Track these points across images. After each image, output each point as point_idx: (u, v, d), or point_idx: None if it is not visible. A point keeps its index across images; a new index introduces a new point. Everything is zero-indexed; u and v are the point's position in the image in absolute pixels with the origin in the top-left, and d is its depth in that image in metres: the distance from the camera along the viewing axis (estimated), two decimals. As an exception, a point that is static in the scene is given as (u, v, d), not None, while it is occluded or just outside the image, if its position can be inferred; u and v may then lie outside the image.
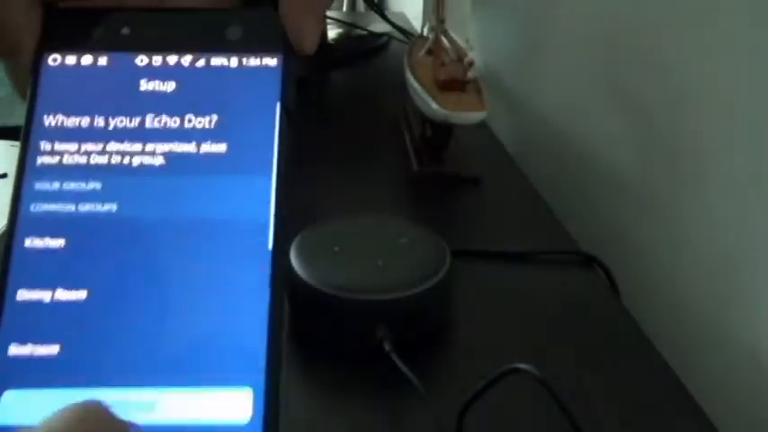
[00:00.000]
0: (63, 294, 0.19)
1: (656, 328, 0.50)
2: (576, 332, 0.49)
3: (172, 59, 0.21)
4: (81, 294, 0.19)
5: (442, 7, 0.73)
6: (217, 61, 0.21)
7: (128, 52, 0.21)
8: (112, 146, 0.20)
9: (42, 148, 0.20)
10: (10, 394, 0.18)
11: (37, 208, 0.20)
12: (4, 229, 0.20)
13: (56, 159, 0.20)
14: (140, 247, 0.19)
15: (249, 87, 0.21)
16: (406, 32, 1.13)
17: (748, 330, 0.50)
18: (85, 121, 0.21)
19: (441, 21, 0.73)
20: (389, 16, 1.19)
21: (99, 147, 0.20)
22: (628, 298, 0.55)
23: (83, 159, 0.20)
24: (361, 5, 1.65)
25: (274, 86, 0.21)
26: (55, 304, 0.19)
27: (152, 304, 0.19)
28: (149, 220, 0.20)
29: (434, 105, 0.64)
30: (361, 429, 0.40)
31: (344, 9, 1.68)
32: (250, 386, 0.18)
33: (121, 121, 0.21)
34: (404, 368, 0.41)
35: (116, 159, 0.20)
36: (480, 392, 0.37)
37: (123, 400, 0.18)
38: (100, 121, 0.21)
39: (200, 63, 0.21)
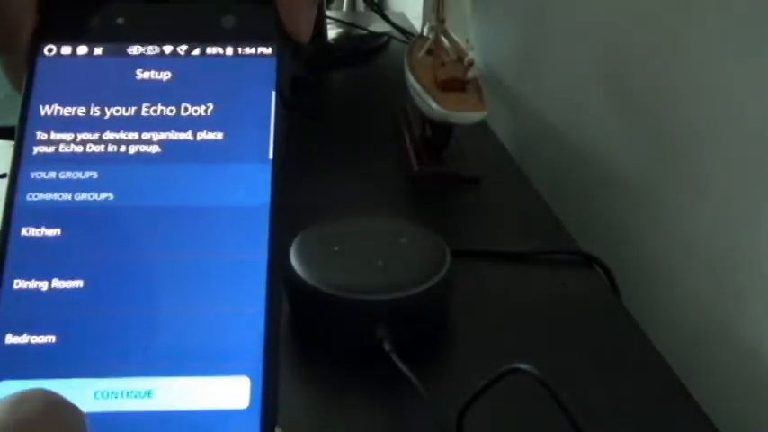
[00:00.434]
0: (60, 284, 0.19)
1: (656, 328, 0.50)
2: (576, 332, 0.49)
3: (167, 49, 0.21)
4: (78, 283, 0.19)
5: (442, 7, 0.73)
6: (212, 50, 0.22)
7: (123, 42, 0.21)
8: (108, 135, 0.20)
9: (38, 137, 0.20)
10: (6, 384, 0.18)
11: (33, 197, 0.20)
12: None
13: (52, 149, 0.20)
14: (137, 236, 0.19)
15: (245, 76, 0.21)
16: (406, 32, 1.13)
17: (748, 330, 0.50)
18: (81, 111, 0.21)
19: (441, 21, 0.73)
20: (389, 16, 1.19)
21: (95, 136, 0.20)
22: (628, 298, 0.55)
23: (79, 148, 0.20)
24: (361, 5, 1.65)
25: (270, 75, 0.21)
26: (52, 293, 0.19)
27: (149, 293, 0.19)
28: (146, 209, 0.20)
29: (434, 105, 0.64)
30: (361, 429, 0.40)
31: (344, 9, 1.68)
32: (248, 374, 0.18)
33: (117, 111, 0.21)
34: (404, 368, 0.41)
35: (112, 148, 0.20)
36: (480, 392, 0.37)
37: (121, 389, 0.18)
38: (96, 111, 0.21)
39: (196, 52, 0.22)
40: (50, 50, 0.21)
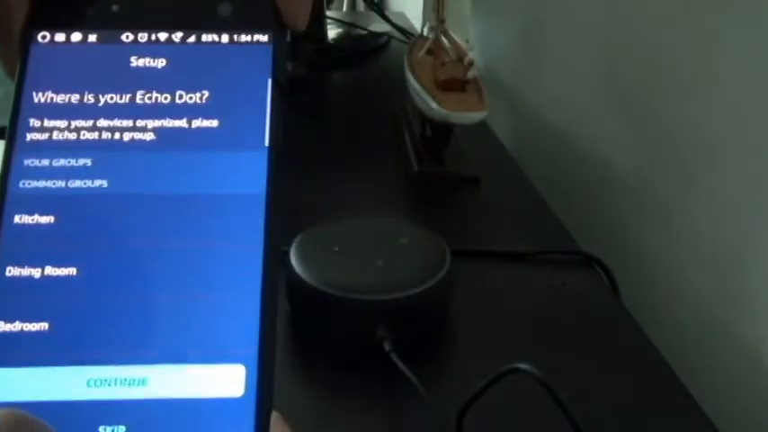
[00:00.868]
0: (53, 271, 0.19)
1: (656, 329, 0.50)
2: (576, 332, 0.49)
3: (162, 36, 0.21)
4: (71, 271, 0.19)
5: (442, 7, 0.73)
6: (208, 37, 0.21)
7: (118, 29, 0.21)
8: (103, 122, 0.20)
9: (32, 124, 0.20)
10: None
11: (26, 184, 0.20)
12: None
13: (45, 136, 0.20)
14: (131, 224, 0.19)
15: (241, 63, 0.21)
16: (406, 32, 1.13)
17: (749, 330, 0.50)
18: (75, 98, 0.21)
19: (441, 21, 0.73)
20: (389, 16, 1.19)
21: (89, 123, 0.20)
22: (628, 298, 0.55)
23: (73, 136, 0.20)
24: (361, 5, 1.65)
25: (266, 62, 0.21)
26: (44, 281, 0.19)
27: (143, 281, 0.19)
28: (140, 197, 0.20)
29: (434, 105, 0.64)
30: (361, 429, 0.40)
31: (344, 9, 1.68)
32: (243, 363, 0.18)
33: (112, 98, 0.21)
34: (404, 368, 0.41)
35: (106, 136, 0.20)
36: (480, 392, 0.37)
37: (115, 377, 0.18)
38: (90, 98, 0.21)
39: (191, 39, 0.21)
40: (44, 37, 0.21)
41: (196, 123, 0.20)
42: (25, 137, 0.20)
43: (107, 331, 0.18)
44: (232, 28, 0.21)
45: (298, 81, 0.94)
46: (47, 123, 0.20)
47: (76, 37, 0.21)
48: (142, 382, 0.18)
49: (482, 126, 0.79)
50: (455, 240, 0.52)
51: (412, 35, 1.09)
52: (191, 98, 0.21)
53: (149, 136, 0.20)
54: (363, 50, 1.10)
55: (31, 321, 0.18)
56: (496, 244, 0.58)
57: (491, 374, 0.37)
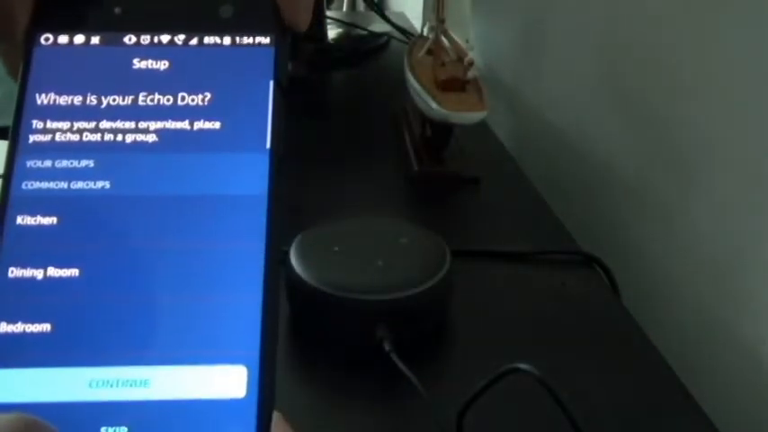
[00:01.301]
0: (55, 272, 0.19)
1: (656, 328, 0.50)
2: (576, 332, 0.49)
3: (165, 38, 0.21)
4: (73, 272, 0.19)
5: (442, 7, 0.73)
6: (210, 40, 0.21)
7: (120, 31, 0.21)
8: (105, 124, 0.20)
9: (35, 126, 0.20)
10: (1, 373, 0.18)
11: (29, 186, 0.20)
12: None
13: (48, 137, 0.20)
14: (133, 225, 0.19)
15: (242, 65, 0.21)
16: (406, 32, 1.13)
17: (749, 330, 0.50)
18: (78, 100, 0.21)
19: (441, 21, 0.73)
20: (389, 16, 1.19)
21: (92, 125, 0.20)
22: (628, 298, 0.55)
23: (75, 137, 0.20)
24: (361, 5, 1.65)
25: (267, 64, 0.21)
26: (47, 282, 0.19)
27: (145, 282, 0.19)
28: (142, 198, 0.20)
29: (434, 105, 0.64)
30: (361, 429, 0.40)
31: (344, 9, 1.68)
32: (244, 364, 0.18)
33: (114, 100, 0.21)
34: (404, 368, 0.41)
35: (109, 137, 0.20)
36: (480, 392, 0.37)
37: (117, 378, 0.18)
38: (92, 100, 0.21)
39: (193, 42, 0.21)
40: (47, 39, 0.21)
41: (198, 125, 0.21)
42: (28, 138, 0.20)
43: (109, 332, 0.18)
44: (234, 30, 0.21)
45: (298, 81, 0.94)
46: (50, 125, 0.20)
47: (79, 39, 0.21)
48: (144, 383, 0.18)
49: (482, 126, 0.79)
50: (455, 240, 0.52)
51: (412, 35, 1.09)
52: (193, 100, 0.21)
53: (151, 138, 0.20)
54: (363, 50, 1.10)
55: (33, 322, 0.18)
56: (496, 244, 0.58)
57: (491, 374, 0.37)
